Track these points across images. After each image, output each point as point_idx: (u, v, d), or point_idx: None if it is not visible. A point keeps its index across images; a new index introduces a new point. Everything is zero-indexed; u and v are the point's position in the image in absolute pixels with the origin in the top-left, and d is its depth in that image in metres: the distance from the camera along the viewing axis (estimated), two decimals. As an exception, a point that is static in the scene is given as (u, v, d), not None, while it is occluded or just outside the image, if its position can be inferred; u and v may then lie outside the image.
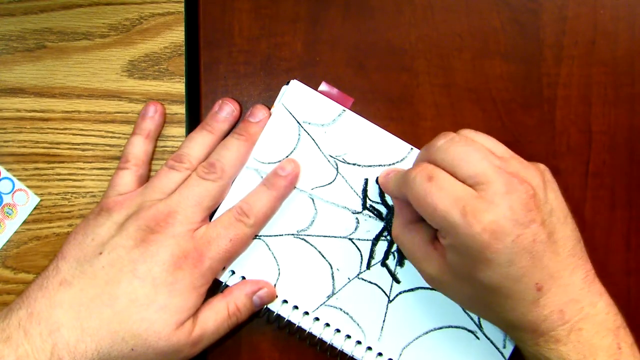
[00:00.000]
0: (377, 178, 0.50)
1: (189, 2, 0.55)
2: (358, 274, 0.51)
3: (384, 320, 0.50)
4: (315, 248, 0.50)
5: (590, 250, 0.54)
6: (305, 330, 0.50)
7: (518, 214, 0.40)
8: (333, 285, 0.50)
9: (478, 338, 0.50)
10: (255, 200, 0.48)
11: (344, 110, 0.51)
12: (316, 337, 0.50)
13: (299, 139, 0.51)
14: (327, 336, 0.50)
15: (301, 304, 0.50)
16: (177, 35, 0.54)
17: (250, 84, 0.54)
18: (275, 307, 0.50)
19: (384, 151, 0.51)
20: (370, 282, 0.51)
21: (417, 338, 0.50)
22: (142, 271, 0.44)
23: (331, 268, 0.50)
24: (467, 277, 0.42)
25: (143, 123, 0.51)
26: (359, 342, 0.50)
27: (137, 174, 0.50)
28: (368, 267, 0.51)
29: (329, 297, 0.50)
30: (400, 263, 0.51)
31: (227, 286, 0.49)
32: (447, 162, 0.42)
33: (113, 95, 0.53)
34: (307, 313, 0.50)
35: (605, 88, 0.55)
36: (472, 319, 0.50)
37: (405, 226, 0.47)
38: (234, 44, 0.54)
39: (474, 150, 0.42)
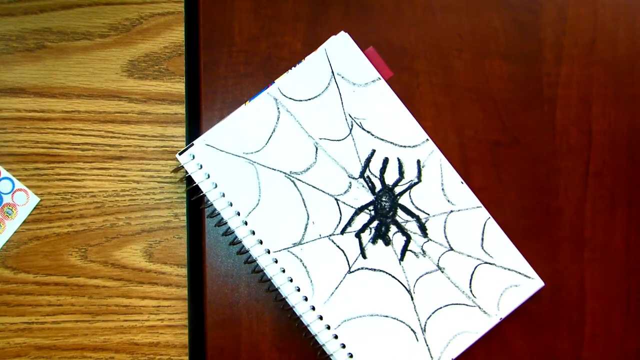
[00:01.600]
0: None
1: (189, 2, 0.55)
2: (330, 235, 0.51)
3: (336, 287, 0.51)
4: (301, 194, 0.51)
5: (590, 250, 0.54)
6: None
7: None
8: (303, 235, 0.51)
9: (417, 340, 0.51)
10: None
11: (380, 78, 0.52)
12: (269, 279, 0.50)
13: (327, 87, 0.52)
14: (279, 281, 0.50)
15: (267, 240, 0.50)
16: (177, 35, 0.54)
17: (250, 84, 0.54)
18: (241, 234, 0.50)
19: (401, 131, 0.52)
20: (338, 246, 0.51)
21: (360, 316, 0.50)
22: None
23: (307, 219, 0.51)
24: None
25: None
26: (305, 299, 0.50)
27: None
28: (342, 232, 0.51)
29: (294, 244, 0.50)
30: (374, 241, 0.51)
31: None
32: None
33: (113, 95, 0.53)
34: (268, 251, 0.50)
35: (605, 88, 0.55)
36: (419, 320, 0.51)
37: None
38: (234, 44, 0.54)
39: None
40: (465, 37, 0.55)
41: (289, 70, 0.52)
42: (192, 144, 0.50)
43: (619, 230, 0.54)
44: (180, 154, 0.50)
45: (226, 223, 0.50)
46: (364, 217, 0.51)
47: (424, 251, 0.51)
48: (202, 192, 0.50)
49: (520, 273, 0.52)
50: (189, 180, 0.51)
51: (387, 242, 0.51)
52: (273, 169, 0.51)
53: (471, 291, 0.51)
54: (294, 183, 0.51)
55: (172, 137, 0.53)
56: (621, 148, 0.55)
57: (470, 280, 0.51)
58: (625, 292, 0.54)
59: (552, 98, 0.55)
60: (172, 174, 0.53)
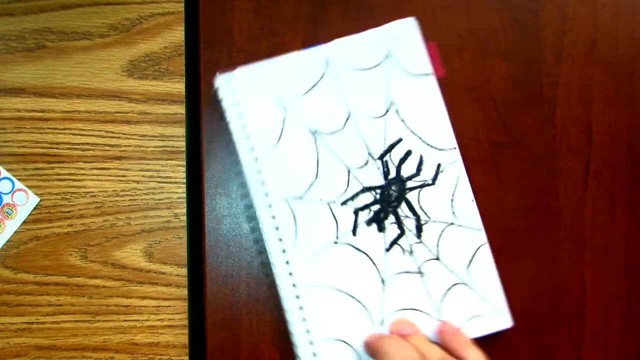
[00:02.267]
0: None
1: (189, 2, 0.55)
2: (330, 201, 0.51)
3: (317, 252, 0.51)
4: (317, 154, 0.51)
5: (590, 250, 0.54)
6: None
7: None
8: (305, 192, 0.51)
9: (371, 331, 0.51)
10: None
11: (431, 74, 0.52)
12: (257, 222, 0.51)
13: (378, 64, 0.52)
14: (266, 225, 0.51)
15: (269, 183, 0.51)
16: (177, 35, 0.54)
17: (250, 84, 0.54)
18: (248, 168, 0.51)
19: (433, 131, 0.52)
20: (334, 215, 0.51)
21: (328, 288, 0.51)
22: None
23: (315, 178, 0.51)
24: None
25: None
26: (283, 251, 0.51)
27: None
28: (343, 203, 0.51)
29: (294, 197, 0.51)
30: (369, 223, 0.51)
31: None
32: None
33: (113, 95, 0.53)
34: (267, 194, 0.51)
35: (605, 88, 0.55)
36: (382, 312, 0.51)
37: None
38: (234, 44, 0.54)
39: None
40: (465, 37, 0.55)
41: (349, 36, 0.52)
42: (235, 70, 0.51)
43: (619, 230, 0.54)
44: (220, 74, 0.51)
45: (239, 162, 0.51)
46: (368, 197, 0.51)
47: (412, 250, 0.51)
48: (226, 117, 0.51)
49: (493, 307, 0.51)
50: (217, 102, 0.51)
51: (381, 228, 0.51)
52: (300, 120, 0.51)
53: (441, 305, 0.51)
54: (314, 141, 0.51)
55: (172, 137, 0.53)
56: (621, 148, 0.55)
57: (445, 295, 0.51)
58: (625, 292, 0.54)
59: (552, 98, 0.55)
60: (172, 174, 0.53)
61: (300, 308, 0.50)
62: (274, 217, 0.51)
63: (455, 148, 0.52)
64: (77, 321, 0.52)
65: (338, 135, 0.52)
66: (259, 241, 0.52)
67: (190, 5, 0.55)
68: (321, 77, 0.52)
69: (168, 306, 0.52)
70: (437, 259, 0.51)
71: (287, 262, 0.50)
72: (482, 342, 0.51)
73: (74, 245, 0.52)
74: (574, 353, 0.53)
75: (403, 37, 0.52)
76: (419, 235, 0.51)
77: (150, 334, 0.52)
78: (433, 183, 0.52)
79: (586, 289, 0.54)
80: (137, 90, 0.53)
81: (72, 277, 0.52)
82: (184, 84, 0.54)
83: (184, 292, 0.52)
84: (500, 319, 0.51)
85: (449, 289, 0.51)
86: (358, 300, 0.51)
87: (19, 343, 0.52)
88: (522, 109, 0.54)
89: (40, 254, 0.52)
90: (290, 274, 0.50)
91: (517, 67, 0.55)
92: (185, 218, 0.53)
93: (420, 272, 0.51)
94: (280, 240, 0.51)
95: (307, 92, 0.52)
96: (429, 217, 0.52)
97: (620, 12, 0.56)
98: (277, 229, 0.51)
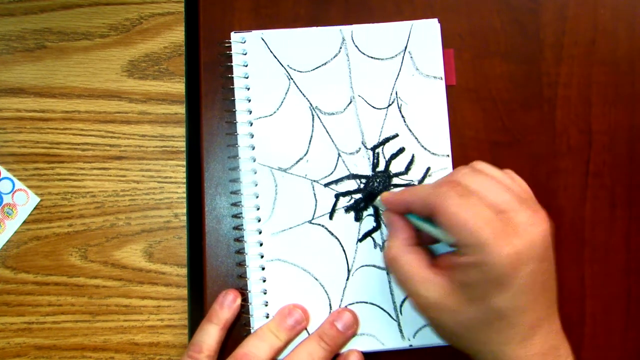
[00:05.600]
0: (381, 195, 0.49)
1: (189, 2, 0.55)
2: (314, 180, 0.51)
3: (291, 228, 0.51)
4: (312, 131, 0.52)
5: (590, 250, 0.54)
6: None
7: (538, 247, 0.41)
8: (292, 166, 0.51)
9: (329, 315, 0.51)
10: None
11: (442, 78, 0.53)
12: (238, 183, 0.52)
13: (392, 57, 0.53)
14: (246, 191, 0.51)
15: (258, 149, 0.51)
16: (177, 35, 0.54)
17: (250, 84, 0.54)
18: (241, 130, 0.51)
19: (430, 135, 0.52)
20: (315, 194, 0.51)
21: (293, 264, 0.51)
22: None
23: (305, 154, 0.51)
24: (478, 299, 0.41)
25: (221, 312, 0.50)
26: (258, 220, 0.51)
27: None
28: (326, 185, 0.51)
29: (279, 168, 0.51)
30: (347, 210, 0.51)
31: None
32: (473, 188, 0.43)
33: (113, 95, 0.53)
34: (254, 159, 0.51)
35: (605, 88, 0.55)
36: (341, 299, 0.50)
37: (404, 247, 0.46)
38: (234, 44, 0.54)
39: (497, 182, 0.44)
40: (465, 37, 0.55)
41: (370, 24, 0.53)
42: (250, 31, 0.52)
43: (619, 230, 0.54)
44: (236, 32, 0.52)
45: (234, 122, 0.51)
46: (352, 185, 0.52)
47: (383, 246, 0.51)
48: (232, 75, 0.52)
49: None
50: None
51: (358, 218, 0.51)
52: (303, 94, 0.52)
53: (401, 307, 0.51)
54: (312, 118, 0.52)
55: (172, 137, 0.53)
56: (621, 148, 0.55)
57: (407, 298, 0.51)
58: (625, 292, 0.54)
59: (552, 98, 0.55)
60: (172, 174, 0.53)
61: (263, 280, 0.51)
62: (256, 184, 0.51)
63: (448, 155, 0.52)
64: (77, 321, 0.52)
65: (337, 117, 0.52)
66: (237, 216, 0.52)
67: (190, 5, 0.55)
68: (334, 57, 0.52)
69: (168, 306, 0.52)
70: None
71: (260, 232, 0.51)
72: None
73: (74, 245, 0.52)
74: (574, 353, 0.53)
75: (423, 36, 0.53)
76: None
77: (150, 334, 0.52)
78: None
79: (586, 289, 0.54)
80: (137, 90, 0.53)
81: (72, 277, 0.52)
82: (184, 84, 0.54)
83: (184, 292, 0.52)
84: None
85: None
86: (321, 284, 0.51)
87: (19, 343, 0.52)
88: (522, 109, 0.54)
89: (40, 254, 0.52)
90: (260, 244, 0.51)
91: (517, 67, 0.55)
92: (185, 218, 0.53)
93: (387, 269, 0.51)
94: (257, 208, 0.51)
95: (316, 68, 0.52)
96: None
97: (620, 12, 0.56)
98: (256, 196, 0.51)
